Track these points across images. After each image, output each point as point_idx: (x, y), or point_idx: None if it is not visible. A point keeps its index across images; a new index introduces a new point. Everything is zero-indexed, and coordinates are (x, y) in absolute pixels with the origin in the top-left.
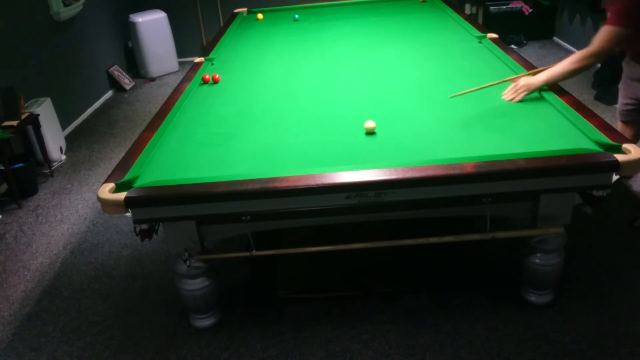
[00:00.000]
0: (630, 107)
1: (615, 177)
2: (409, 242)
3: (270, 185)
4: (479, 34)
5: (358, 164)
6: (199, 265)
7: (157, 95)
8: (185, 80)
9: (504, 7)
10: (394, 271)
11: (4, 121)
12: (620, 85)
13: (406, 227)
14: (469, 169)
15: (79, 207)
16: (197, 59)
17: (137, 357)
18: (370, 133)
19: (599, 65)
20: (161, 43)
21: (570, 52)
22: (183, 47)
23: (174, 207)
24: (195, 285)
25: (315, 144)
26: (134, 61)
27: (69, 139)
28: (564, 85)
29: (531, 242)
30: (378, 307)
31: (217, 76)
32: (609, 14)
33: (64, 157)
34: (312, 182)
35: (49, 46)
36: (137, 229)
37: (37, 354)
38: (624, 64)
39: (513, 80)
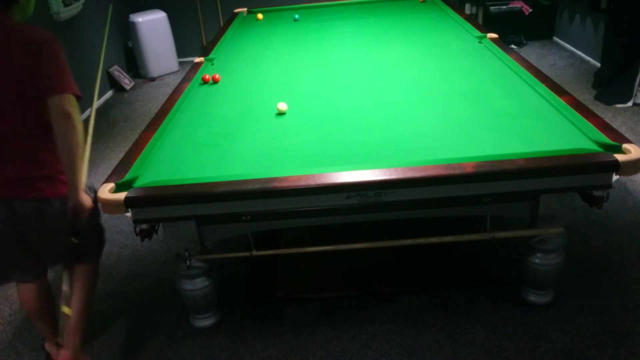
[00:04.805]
0: None
1: (615, 177)
2: (409, 242)
3: (270, 185)
4: (479, 33)
5: (358, 164)
6: (199, 265)
7: (157, 95)
8: (185, 80)
9: (504, 7)
10: (394, 271)
11: None
12: None
13: (406, 227)
14: (469, 169)
15: None
16: (197, 59)
17: (137, 357)
18: (281, 114)
19: (599, 65)
20: (161, 43)
21: (570, 52)
22: (183, 47)
23: (174, 207)
24: (195, 285)
25: (315, 144)
26: (134, 61)
27: None
28: (564, 85)
29: (531, 242)
30: (378, 307)
31: (217, 76)
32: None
33: None
34: (312, 182)
35: None
36: (137, 229)
37: (37, 354)
38: None
39: None
